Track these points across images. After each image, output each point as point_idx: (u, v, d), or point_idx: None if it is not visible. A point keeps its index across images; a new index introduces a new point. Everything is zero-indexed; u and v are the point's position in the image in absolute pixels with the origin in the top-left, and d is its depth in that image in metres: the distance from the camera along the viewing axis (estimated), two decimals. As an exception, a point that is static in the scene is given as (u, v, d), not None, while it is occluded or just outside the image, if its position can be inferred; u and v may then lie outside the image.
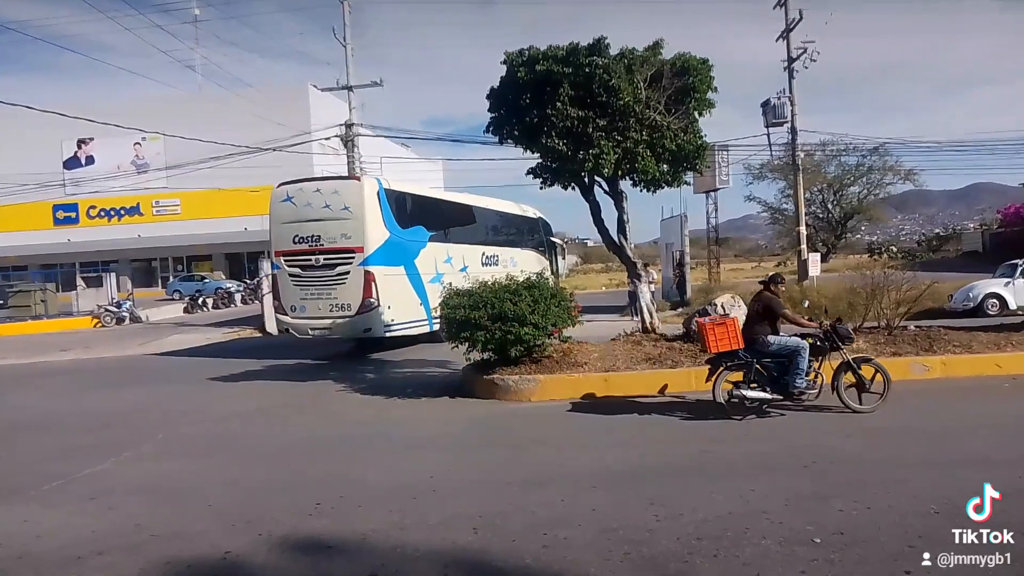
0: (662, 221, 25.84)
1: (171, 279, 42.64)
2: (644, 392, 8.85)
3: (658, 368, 9.19)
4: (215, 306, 32.98)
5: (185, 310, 31.29)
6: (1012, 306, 18.01)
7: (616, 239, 11.02)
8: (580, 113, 9.19)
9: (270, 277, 20.39)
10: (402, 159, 33.79)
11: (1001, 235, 36.45)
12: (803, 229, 24.52)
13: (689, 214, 24.25)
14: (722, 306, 9.87)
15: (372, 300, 12.70)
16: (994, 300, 18.18)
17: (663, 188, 10.62)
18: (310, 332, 13.74)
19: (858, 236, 58.53)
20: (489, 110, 10.22)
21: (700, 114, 10.13)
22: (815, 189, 49.32)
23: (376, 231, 13.36)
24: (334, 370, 12.36)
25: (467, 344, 9.18)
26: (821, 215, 52.54)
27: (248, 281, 36.81)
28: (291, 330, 13.98)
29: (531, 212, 21.33)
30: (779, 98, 22.94)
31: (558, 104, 9.11)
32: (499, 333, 8.78)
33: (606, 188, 10.74)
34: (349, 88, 22.40)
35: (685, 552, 4.18)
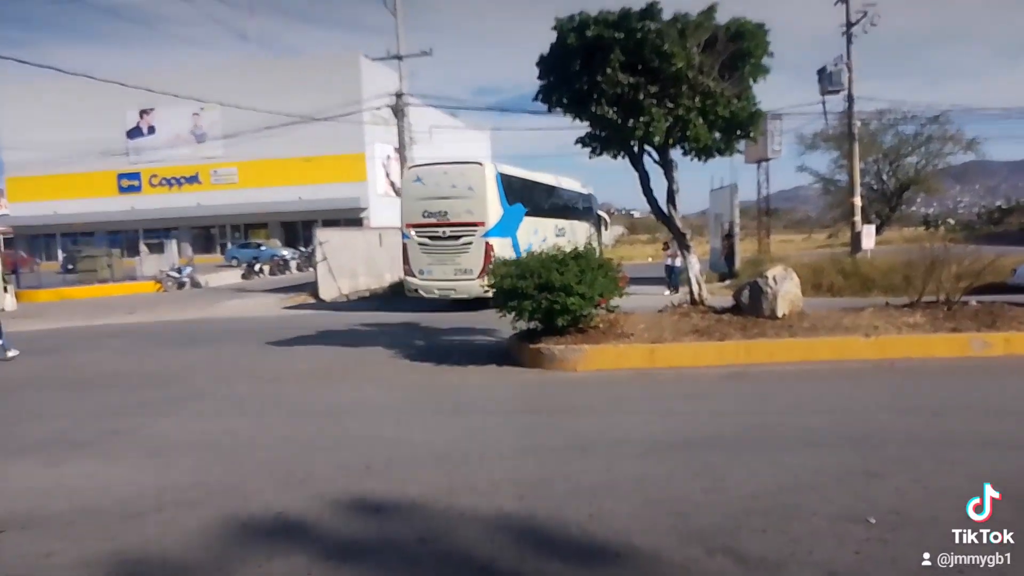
0: (711, 191, 25.35)
1: (229, 246, 43.76)
2: (691, 363, 8.78)
3: (706, 340, 9.08)
4: (271, 272, 33.79)
5: (243, 276, 32.11)
6: (1081, 282, 17.22)
7: (666, 209, 10.85)
8: (631, 80, 9.00)
9: (323, 245, 21.11)
10: (451, 127, 33.77)
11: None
12: (858, 200, 23.79)
13: (739, 185, 23.78)
14: (773, 278, 9.67)
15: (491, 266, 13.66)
16: (1061, 276, 17.38)
17: (715, 157, 10.35)
18: (436, 292, 16.26)
19: (913, 208, 56.48)
20: (539, 77, 10.08)
21: (755, 80, 9.82)
22: (870, 160, 47.57)
23: (495, 208, 15.94)
24: (385, 336, 12.57)
25: (514, 313, 9.22)
26: (875, 186, 50.74)
27: (303, 248, 37.58)
28: (419, 290, 16.52)
29: (585, 188, 23.11)
30: (836, 65, 22.18)
31: (608, 71, 8.93)
32: (545, 302, 8.79)
33: (656, 157, 10.54)
34: (399, 58, 22.37)
35: (733, 526, 4.14)
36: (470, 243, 15.73)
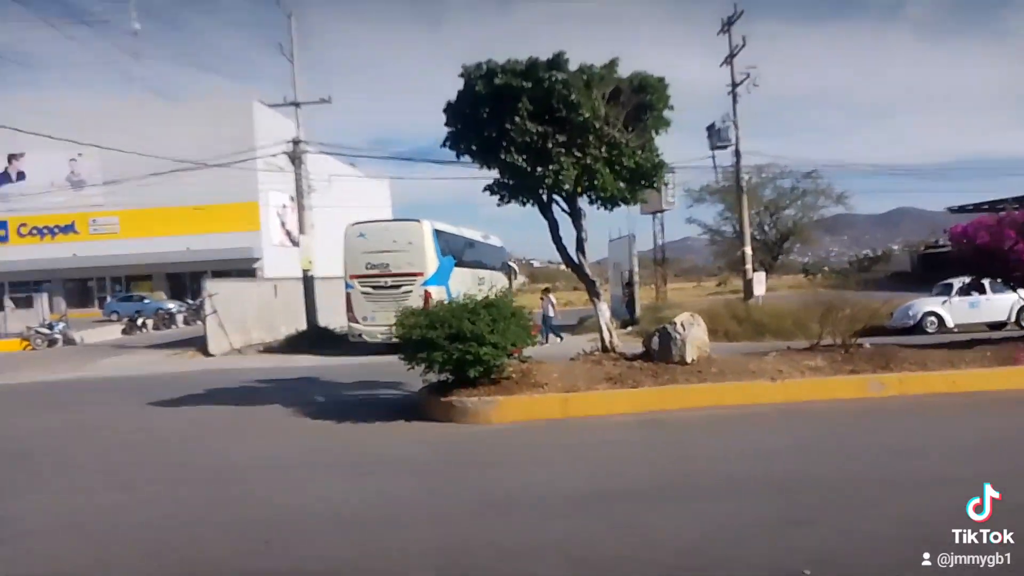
0: (610, 241, 26.02)
1: (109, 299, 40.73)
2: (606, 412, 8.66)
3: (619, 387, 9.02)
4: (156, 327, 31.78)
5: (123, 331, 29.93)
6: (950, 324, 18.64)
7: (575, 258, 10.86)
8: (539, 128, 9.02)
9: (213, 297, 19.97)
10: (350, 176, 33.22)
11: (931, 256, 38.02)
12: (748, 250, 24.97)
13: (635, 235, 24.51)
14: (682, 324, 9.79)
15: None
16: (932, 318, 18.77)
17: (620, 206, 10.50)
18: (379, 336, 16.84)
19: (792, 257, 60.29)
20: (446, 124, 9.96)
21: (657, 132, 10.08)
22: (753, 212, 50.57)
23: (432, 260, 17.90)
24: (282, 392, 11.81)
25: (424, 365, 8.83)
26: (758, 237, 53.84)
27: (191, 301, 35.54)
28: (363, 335, 17.78)
29: (498, 241, 25.50)
30: (724, 122, 23.42)
31: (517, 119, 8.92)
32: (457, 353, 8.46)
33: (564, 206, 10.59)
34: (296, 104, 21.83)
35: (665, 586, 3.96)
36: (410, 291, 17.11)
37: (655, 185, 10.56)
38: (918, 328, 18.54)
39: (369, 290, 17.84)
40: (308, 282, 21.38)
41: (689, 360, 9.57)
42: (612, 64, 9.78)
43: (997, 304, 18.37)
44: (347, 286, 18.36)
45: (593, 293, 10.96)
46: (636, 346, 11.03)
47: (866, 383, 8.94)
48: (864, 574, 3.99)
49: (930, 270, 30.66)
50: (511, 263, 27.53)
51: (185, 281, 41.09)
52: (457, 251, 20.06)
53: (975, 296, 18.71)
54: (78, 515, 5.88)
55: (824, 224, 60.01)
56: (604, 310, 10.90)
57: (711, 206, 52.54)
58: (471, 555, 4.57)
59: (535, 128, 8.98)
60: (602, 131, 9.27)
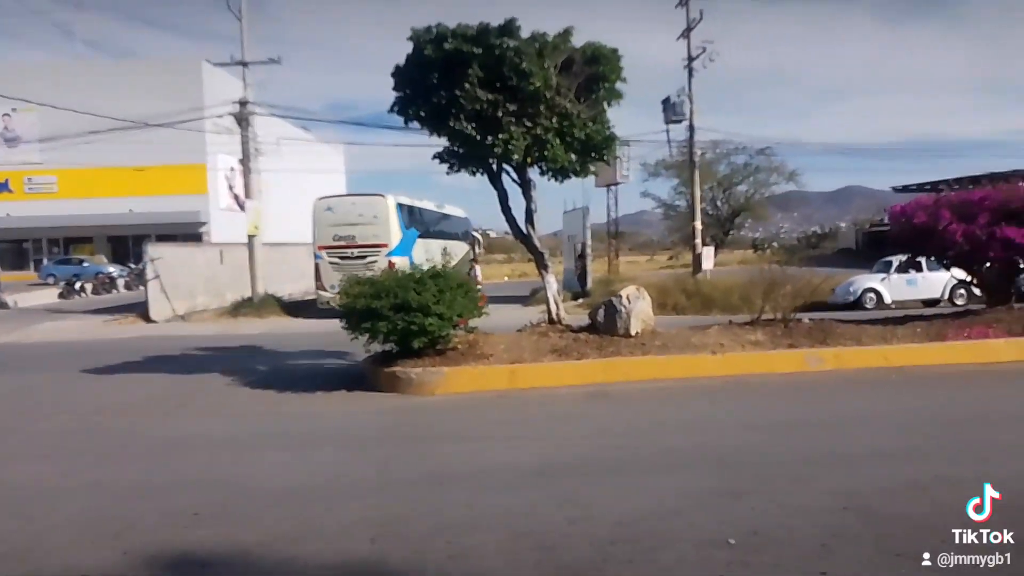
0: (564, 213, 26.03)
1: (45, 262, 39.11)
2: (551, 383, 8.67)
3: (565, 359, 9.04)
4: (95, 291, 30.69)
5: (60, 295, 28.85)
6: (888, 300, 19.27)
7: (524, 229, 10.78)
8: (490, 96, 8.83)
9: (156, 262, 19.37)
10: (302, 140, 32.35)
11: (875, 233, 39.13)
12: (699, 224, 25.27)
13: (590, 207, 24.61)
14: (627, 297, 9.85)
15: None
16: (872, 294, 19.39)
17: (570, 178, 10.42)
18: None
19: (743, 232, 61.44)
20: (394, 88, 9.68)
21: (609, 104, 9.99)
22: (706, 187, 51.17)
23: (396, 232, 19.28)
24: (224, 361, 11.55)
25: (368, 335, 8.69)
26: (711, 212, 54.70)
27: (133, 265, 34.42)
28: (331, 303, 17.23)
29: (462, 212, 26.23)
30: (679, 96, 23.50)
31: (467, 86, 8.71)
32: (402, 323, 8.34)
33: (515, 176, 10.46)
34: (244, 64, 21.06)
35: (600, 559, 3.95)
36: (375, 261, 17.95)
37: (606, 158, 10.51)
38: (858, 304, 19.12)
39: (336, 260, 18.97)
40: (253, 248, 20.84)
41: (634, 333, 9.65)
42: (566, 33, 9.62)
43: (932, 282, 19.03)
44: (316, 256, 19.63)
45: (541, 265, 10.92)
46: (586, 318, 11.06)
47: (804, 357, 9.14)
48: (789, 544, 4.05)
49: (874, 248, 31.53)
50: (475, 233, 28.34)
51: (128, 245, 39.70)
52: (420, 223, 21.40)
53: (912, 274, 19.35)
54: (2, 488, 5.64)
55: (776, 200, 61.24)
56: (552, 282, 10.89)
57: (666, 181, 53.12)
58: (409, 527, 4.51)
59: (485, 96, 8.79)
60: (553, 101, 9.15)
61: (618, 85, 9.98)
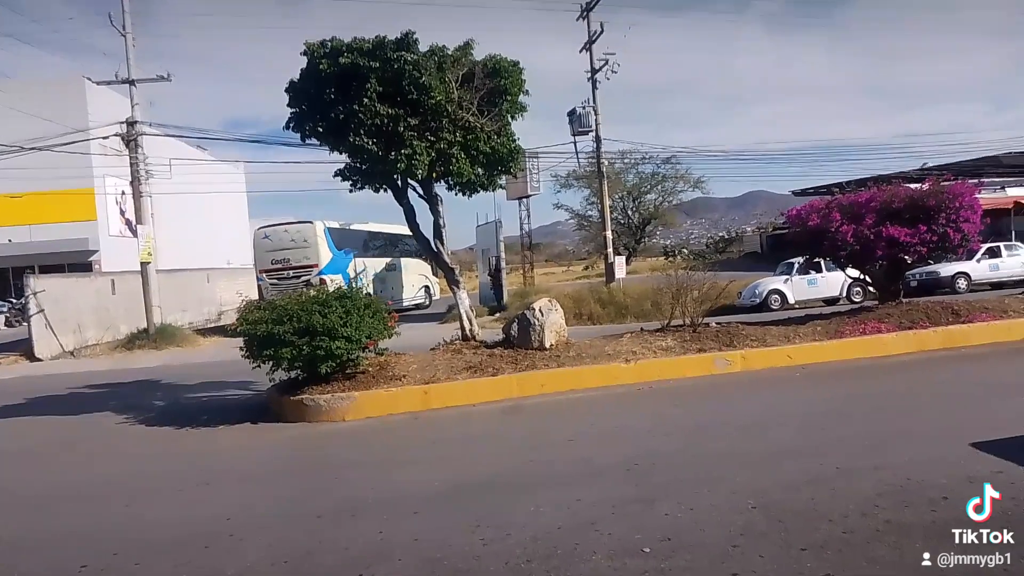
0: (477, 227, 26.02)
1: (-90, 300, 35.80)
2: (466, 401, 8.54)
3: (479, 376, 8.92)
4: (-31, 329, 28.32)
5: (-72, 335, 26.47)
6: (791, 300, 20.16)
7: (433, 245, 10.62)
8: (390, 111, 8.66)
9: (39, 295, 18.06)
10: (198, 161, 31.04)
11: (778, 236, 40.97)
12: (609, 234, 25.75)
13: (503, 220, 24.71)
14: (540, 310, 9.84)
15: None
16: (776, 296, 20.25)
17: (479, 192, 10.37)
18: None
19: (655, 240, 63.09)
20: (289, 104, 9.37)
21: (513, 117, 10.01)
22: (616, 197, 52.38)
23: (325, 253, 21.68)
24: (118, 398, 10.82)
25: (271, 362, 8.31)
26: (622, 221, 55.97)
27: (13, 300, 31.98)
28: None
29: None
30: (584, 107, 23.92)
31: (365, 100, 8.51)
32: (307, 349, 8.01)
33: (420, 191, 10.31)
34: (131, 82, 19.98)
35: (515, 578, 3.85)
36: (308, 280, 19.82)
37: (512, 171, 10.52)
38: (764, 306, 19.91)
39: (275, 281, 21.14)
40: (147, 275, 19.76)
41: (548, 345, 9.64)
42: (466, 46, 9.60)
43: (832, 281, 20.07)
44: (259, 279, 22.20)
45: (452, 281, 10.78)
46: (501, 333, 10.98)
47: (712, 361, 9.36)
48: (701, 547, 4.06)
49: (777, 250, 32.97)
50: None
51: (8, 277, 36.91)
52: (358, 244, 23.92)
53: (813, 275, 20.33)
54: None
55: (684, 207, 63.15)
56: (464, 298, 10.76)
57: (578, 191, 53.91)
58: (316, 563, 4.28)
59: (386, 110, 8.62)
60: (456, 115, 9.07)
61: (521, 98, 10.02)
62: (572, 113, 24.07)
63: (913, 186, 11.84)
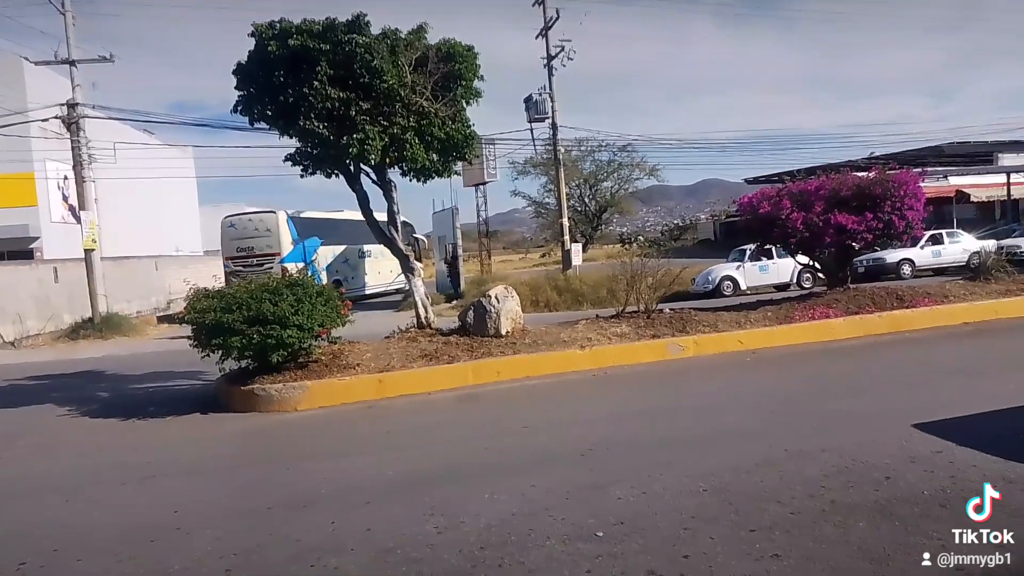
0: (434, 214, 25.86)
1: None
2: (422, 390, 8.47)
3: (435, 364, 8.86)
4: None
5: None
6: (743, 287, 20.55)
7: (387, 231, 10.48)
8: (342, 94, 8.47)
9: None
10: (142, 146, 30.04)
11: (730, 224, 41.69)
12: (566, 221, 25.84)
13: (460, 207, 24.60)
14: (496, 297, 9.81)
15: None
16: (729, 282, 20.61)
17: (433, 178, 10.25)
18: None
19: (611, 228, 63.58)
20: (236, 87, 9.09)
21: (468, 103, 9.90)
22: (573, 184, 52.64)
23: (287, 241, 22.55)
24: (60, 390, 10.45)
25: (220, 352, 8.11)
26: (579, 208, 56.28)
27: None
28: None
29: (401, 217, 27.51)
30: (540, 94, 23.88)
31: (316, 83, 8.31)
32: (258, 337, 7.83)
33: (374, 177, 10.15)
34: (72, 63, 19.25)
35: (468, 566, 3.83)
36: (271, 267, 20.28)
37: (467, 157, 10.43)
38: (717, 292, 20.26)
39: (240, 268, 21.51)
40: (91, 263, 19.15)
41: (504, 333, 9.63)
42: (420, 30, 9.45)
43: (782, 268, 20.52)
44: (225, 266, 22.45)
45: (407, 268, 10.67)
46: (457, 320, 10.92)
47: (666, 346, 9.47)
48: (654, 530, 4.10)
49: (730, 237, 33.60)
50: (420, 236, 30.40)
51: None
52: (324, 231, 24.50)
53: (764, 261, 20.76)
54: None
55: (640, 195, 63.68)
56: (419, 285, 10.66)
57: (535, 179, 53.98)
58: (266, 555, 4.20)
59: (336, 94, 8.44)
60: (409, 99, 8.93)
61: (476, 83, 9.92)
62: (528, 100, 24.01)
63: (861, 174, 12.11)
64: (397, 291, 26.61)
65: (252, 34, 8.71)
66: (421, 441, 6.73)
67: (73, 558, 4.36)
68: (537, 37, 24.13)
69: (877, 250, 17.21)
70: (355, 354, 9.06)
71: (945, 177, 32.79)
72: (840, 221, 10.72)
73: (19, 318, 18.41)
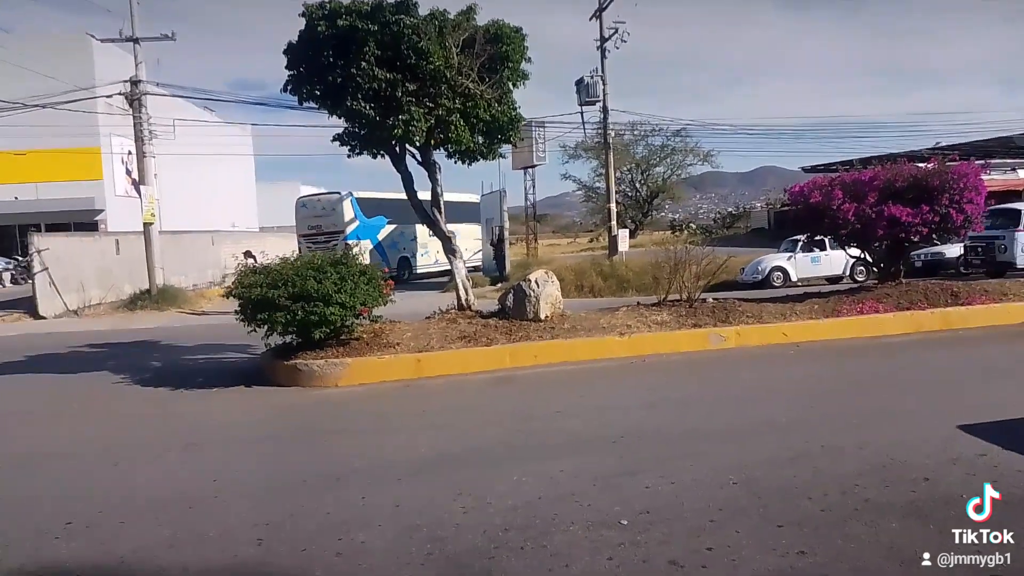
0: (482, 197, 25.91)
1: (-86, 256, 35.90)
2: (459, 371, 8.56)
3: (473, 346, 8.93)
4: (-23, 288, 28.54)
5: (-68, 290, 26.68)
6: (794, 278, 20.07)
7: (431, 213, 10.57)
8: (388, 75, 8.54)
9: (43, 253, 18.15)
10: (202, 123, 30.85)
11: (783, 213, 40.68)
12: (614, 206, 25.61)
13: (508, 190, 24.61)
14: (536, 282, 9.81)
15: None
16: (779, 273, 20.16)
17: (479, 160, 10.28)
18: None
19: (662, 214, 62.73)
20: (287, 67, 9.24)
21: (515, 85, 9.88)
22: (624, 169, 52.06)
23: (350, 221, 24.59)
24: (116, 359, 10.90)
25: (266, 327, 8.33)
26: (630, 193, 55.69)
27: (19, 258, 32.13)
28: None
29: (471, 197, 28.85)
30: (592, 77, 23.60)
31: (363, 64, 8.39)
32: (301, 314, 8.02)
33: (419, 158, 10.23)
34: (135, 40, 19.80)
35: (491, 546, 3.88)
36: (336, 244, 22.12)
37: (512, 140, 10.41)
38: (766, 282, 19.83)
39: (311, 244, 23.19)
40: (149, 236, 19.81)
41: (543, 317, 9.63)
42: (469, 11, 9.44)
43: (835, 259, 19.94)
44: (299, 242, 24.51)
45: (449, 250, 10.74)
46: (497, 303, 10.97)
47: (707, 336, 9.35)
48: (679, 521, 4.08)
49: (783, 227, 32.75)
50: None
51: (14, 235, 36.94)
52: (391, 211, 25.51)
53: (816, 252, 20.22)
54: None
55: (693, 182, 62.62)
56: (460, 267, 10.73)
57: (586, 163, 53.50)
58: (298, 527, 4.32)
59: (383, 75, 8.51)
60: (455, 81, 8.94)
61: (523, 65, 9.88)
62: (580, 82, 23.75)
63: (919, 165, 11.66)
64: (474, 268, 26.89)
65: (302, 14, 8.83)
66: (454, 421, 6.81)
67: (116, 520, 4.56)
68: (591, 19, 23.83)
69: (936, 244, 16.60)
70: (396, 333, 9.20)
71: (1014, 169, 31.30)
72: (893, 213, 10.36)
73: (82, 287, 19.20)
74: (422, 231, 26.39)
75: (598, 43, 23.60)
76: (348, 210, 24.95)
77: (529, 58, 9.82)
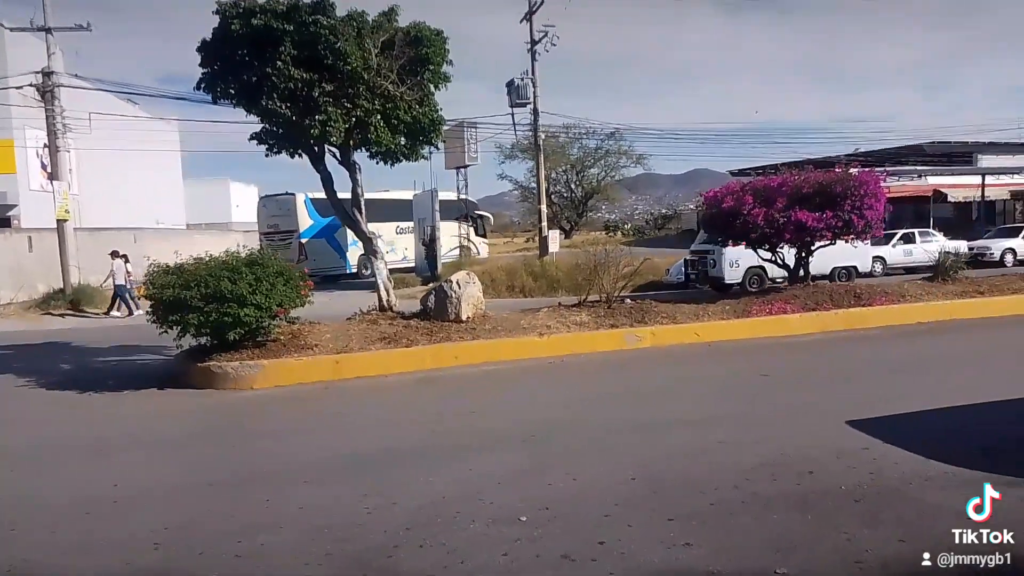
0: (414, 196, 25.76)
1: None
2: (380, 372, 8.57)
3: (393, 347, 8.94)
4: None
5: None
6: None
7: (350, 213, 10.51)
8: (305, 75, 8.46)
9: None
10: (121, 117, 29.63)
11: (705, 215, 41.81)
12: (544, 208, 25.81)
13: (441, 190, 24.53)
14: (457, 283, 9.88)
15: (302, 256, 23.21)
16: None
17: (401, 161, 10.27)
18: None
19: (598, 214, 63.58)
20: (200, 64, 9.04)
21: (436, 87, 9.92)
22: (560, 170, 52.58)
23: (304, 220, 25.07)
24: (22, 361, 10.43)
25: (178, 328, 8.15)
26: (565, 194, 56.26)
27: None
28: None
29: (453, 196, 29.73)
30: (523, 79, 23.68)
31: (279, 63, 8.29)
32: (215, 315, 7.88)
33: (339, 158, 10.16)
34: (47, 30, 18.89)
35: (391, 545, 3.94)
36: (291, 243, 24.10)
37: (434, 141, 10.44)
38: (688, 283, 20.35)
39: (270, 242, 23.27)
40: (64, 233, 18.99)
41: (464, 318, 9.72)
42: (390, 13, 9.44)
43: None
44: (260, 240, 24.55)
45: (370, 251, 10.71)
46: (419, 304, 10.99)
47: (623, 336, 9.61)
48: (576, 517, 4.22)
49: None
50: (483, 213, 32.59)
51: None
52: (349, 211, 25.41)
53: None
54: None
55: (628, 183, 63.50)
56: (381, 268, 10.70)
57: (522, 163, 53.66)
58: (199, 531, 4.28)
59: (300, 75, 8.43)
60: (374, 83, 8.93)
61: (445, 68, 9.92)
62: (511, 84, 23.83)
63: (824, 172, 12.22)
64: (406, 270, 26.60)
65: (216, 12, 8.66)
66: (370, 423, 6.83)
67: (7, 529, 4.43)
68: (521, 21, 23.97)
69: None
70: (315, 335, 9.12)
71: (923, 176, 33.03)
72: (800, 218, 10.85)
73: (-11, 287, 18.26)
74: (388, 229, 26.20)
75: (528, 45, 23.77)
76: (302, 210, 25.37)
77: (451, 60, 9.88)
